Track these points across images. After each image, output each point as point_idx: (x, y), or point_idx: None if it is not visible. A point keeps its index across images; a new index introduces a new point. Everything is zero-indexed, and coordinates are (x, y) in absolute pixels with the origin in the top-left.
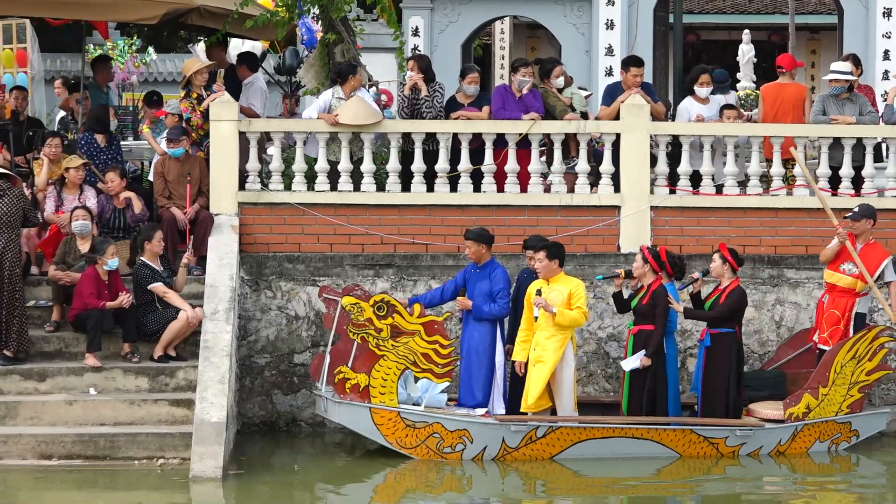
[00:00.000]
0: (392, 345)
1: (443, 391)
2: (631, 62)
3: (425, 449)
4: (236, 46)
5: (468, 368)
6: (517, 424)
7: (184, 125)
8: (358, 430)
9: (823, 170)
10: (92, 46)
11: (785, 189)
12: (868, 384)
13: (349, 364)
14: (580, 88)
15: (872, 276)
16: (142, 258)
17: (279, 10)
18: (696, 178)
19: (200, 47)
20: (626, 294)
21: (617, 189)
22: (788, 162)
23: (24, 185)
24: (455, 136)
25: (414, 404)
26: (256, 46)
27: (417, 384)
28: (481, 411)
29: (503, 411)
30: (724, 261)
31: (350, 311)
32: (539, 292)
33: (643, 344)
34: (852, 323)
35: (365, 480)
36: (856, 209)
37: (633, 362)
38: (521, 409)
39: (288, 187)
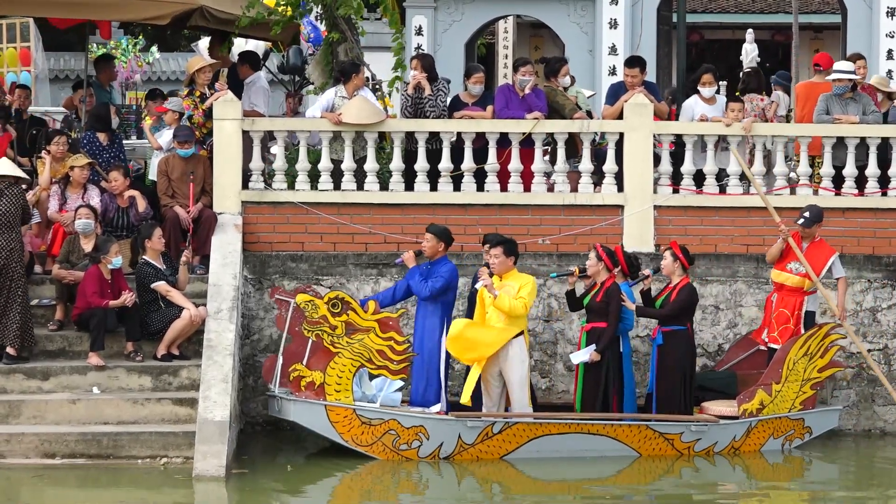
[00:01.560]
0: (347, 342)
1: (398, 390)
2: (626, 62)
3: (381, 446)
4: (238, 45)
5: (419, 366)
6: (473, 420)
7: (187, 123)
8: (313, 427)
9: (827, 169)
10: (95, 45)
11: (788, 188)
12: (820, 381)
13: (304, 362)
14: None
15: (819, 274)
16: (144, 257)
17: (281, 8)
18: (699, 177)
19: (203, 45)
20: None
21: (620, 188)
22: (790, 160)
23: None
24: (458, 135)
25: (369, 402)
26: (259, 45)
27: (372, 382)
28: (436, 408)
29: (438, 407)
30: (675, 258)
31: (304, 308)
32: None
33: (596, 341)
34: (802, 321)
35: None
36: (806, 214)
37: (582, 356)
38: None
39: (291, 186)
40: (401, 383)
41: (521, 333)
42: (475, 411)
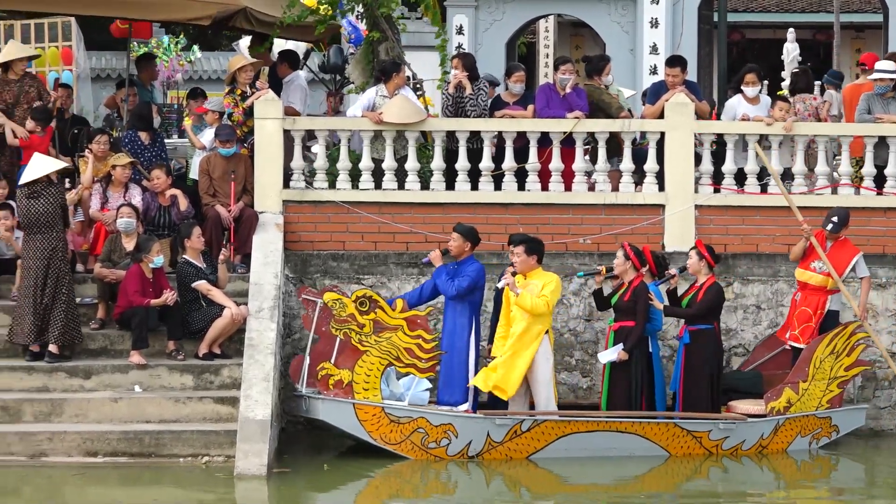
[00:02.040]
0: (375, 340)
1: (426, 389)
2: (667, 62)
3: (410, 444)
4: (279, 44)
5: (447, 365)
6: (502, 418)
7: (228, 122)
8: (341, 426)
9: (868, 168)
10: (136, 44)
11: (830, 188)
12: (846, 380)
13: (332, 360)
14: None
15: (843, 273)
16: (184, 256)
17: (321, 7)
18: (740, 177)
19: (244, 44)
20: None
21: (661, 188)
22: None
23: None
24: (499, 134)
25: (397, 401)
26: (300, 44)
27: (400, 381)
28: (464, 407)
29: (466, 406)
30: (701, 257)
31: (332, 307)
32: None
33: (623, 341)
34: (822, 320)
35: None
36: (833, 219)
37: (609, 355)
38: (470, 383)
39: (332, 185)
40: (429, 383)
41: (546, 332)
42: (502, 410)
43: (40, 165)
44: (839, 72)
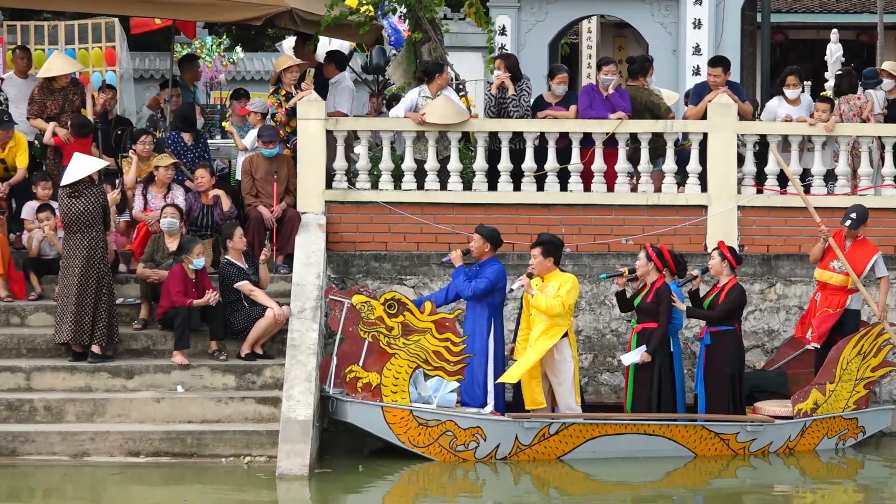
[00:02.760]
0: (403, 343)
1: (453, 391)
2: (709, 62)
3: (438, 447)
4: (323, 45)
5: (469, 367)
6: (530, 421)
7: (271, 122)
8: (370, 429)
9: None
10: (179, 45)
11: (872, 188)
12: (873, 380)
13: (360, 363)
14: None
15: (861, 273)
16: (226, 257)
17: (363, 8)
18: (783, 178)
19: (288, 45)
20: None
21: (704, 188)
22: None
23: (109, 184)
24: (542, 135)
25: (425, 403)
26: (344, 45)
27: (428, 383)
28: (488, 409)
29: (491, 409)
30: (723, 258)
31: (360, 309)
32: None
33: (647, 342)
34: (845, 319)
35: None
36: (852, 216)
37: (633, 357)
38: (497, 380)
39: (375, 186)
40: (456, 384)
41: (566, 334)
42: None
43: (82, 166)
44: (875, 69)
